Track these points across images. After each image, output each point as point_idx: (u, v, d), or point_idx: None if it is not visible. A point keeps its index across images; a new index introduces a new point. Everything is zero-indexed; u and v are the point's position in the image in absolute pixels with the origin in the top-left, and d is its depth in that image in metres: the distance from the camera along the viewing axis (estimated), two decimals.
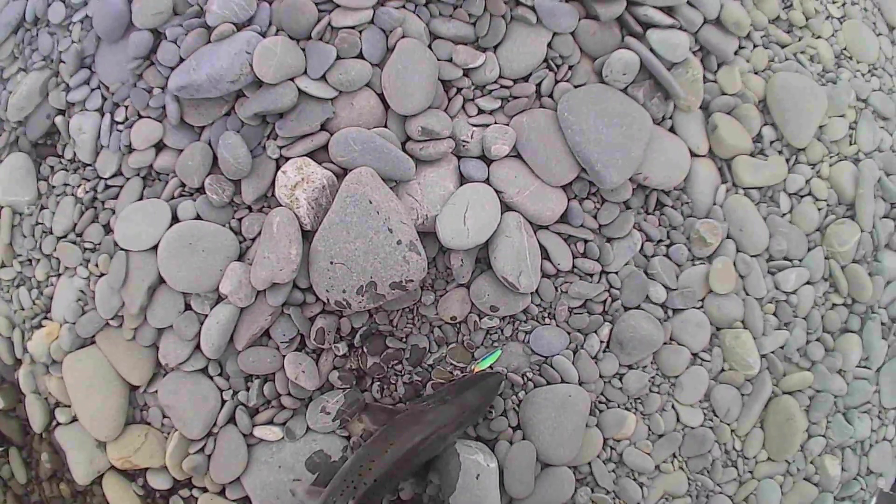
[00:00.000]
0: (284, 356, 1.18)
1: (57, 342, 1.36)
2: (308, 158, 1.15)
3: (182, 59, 1.22)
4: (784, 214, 1.37)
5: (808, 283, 1.36)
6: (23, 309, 1.43)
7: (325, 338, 1.16)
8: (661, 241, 1.26)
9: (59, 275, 1.37)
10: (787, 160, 1.38)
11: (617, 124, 1.19)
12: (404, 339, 1.20)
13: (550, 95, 1.22)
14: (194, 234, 1.18)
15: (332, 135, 1.15)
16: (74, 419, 1.41)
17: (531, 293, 1.18)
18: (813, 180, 1.39)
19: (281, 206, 1.15)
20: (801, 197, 1.39)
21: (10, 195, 1.40)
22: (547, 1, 1.22)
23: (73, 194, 1.35)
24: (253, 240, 1.19)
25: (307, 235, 1.14)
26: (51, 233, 1.36)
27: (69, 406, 1.42)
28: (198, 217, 1.21)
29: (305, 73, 1.16)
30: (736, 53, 1.39)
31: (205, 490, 1.31)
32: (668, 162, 1.24)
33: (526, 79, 1.21)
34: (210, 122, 1.21)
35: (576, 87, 1.22)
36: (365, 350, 1.18)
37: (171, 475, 1.31)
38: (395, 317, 1.19)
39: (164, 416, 1.31)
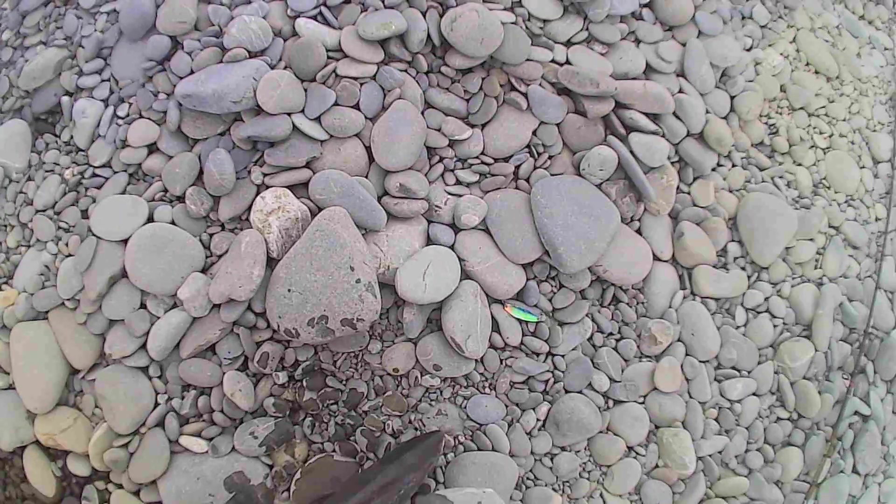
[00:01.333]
0: (225, 373, 1.20)
1: (12, 309, 1.38)
2: (287, 190, 1.20)
3: (192, 72, 1.28)
4: (738, 327, 1.42)
5: (754, 394, 1.41)
6: None
7: (267, 363, 1.18)
8: (611, 334, 1.31)
9: (30, 246, 1.40)
10: (749, 276, 1.44)
11: (586, 214, 1.25)
12: (344, 382, 1.23)
13: (527, 179, 1.29)
14: (165, 238, 1.22)
15: (314, 173, 1.21)
16: (11, 387, 1.42)
17: (476, 360, 1.22)
18: (772, 298, 1.45)
19: (250, 229, 1.19)
20: (759, 312, 1.44)
21: (3, 157, 1.44)
22: (540, 90, 1.30)
23: (60, 174, 1.39)
24: (219, 257, 1.23)
25: (271, 264, 1.18)
26: (31, 204, 1.40)
27: (8, 373, 1.43)
28: (172, 223, 1.25)
29: (303, 111, 1.23)
30: (714, 169, 1.47)
31: (120, 486, 1.31)
32: (630, 260, 1.30)
33: (506, 160, 1.28)
34: (205, 137, 1.26)
35: (552, 175, 1.29)
36: (304, 384, 1.20)
37: (91, 464, 1.31)
38: (340, 359, 1.21)
39: (97, 406, 1.32)
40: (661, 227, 1.36)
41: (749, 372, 1.42)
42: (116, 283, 1.27)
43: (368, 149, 1.23)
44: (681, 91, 1.44)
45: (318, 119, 1.22)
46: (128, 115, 1.32)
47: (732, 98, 1.52)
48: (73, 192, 1.36)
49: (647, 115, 1.35)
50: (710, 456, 1.37)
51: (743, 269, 1.45)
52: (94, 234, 1.28)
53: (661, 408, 1.33)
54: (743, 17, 1.62)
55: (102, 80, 1.38)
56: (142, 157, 1.29)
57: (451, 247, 1.21)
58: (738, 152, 1.51)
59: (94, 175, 1.34)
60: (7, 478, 1.52)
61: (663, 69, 1.42)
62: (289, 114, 1.21)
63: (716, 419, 1.38)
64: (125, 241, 1.25)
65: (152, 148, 1.30)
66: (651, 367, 1.32)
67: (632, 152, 1.32)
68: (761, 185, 1.51)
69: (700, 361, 1.37)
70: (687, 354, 1.36)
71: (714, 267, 1.41)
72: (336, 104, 1.21)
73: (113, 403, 1.25)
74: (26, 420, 1.39)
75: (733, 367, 1.41)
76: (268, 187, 1.21)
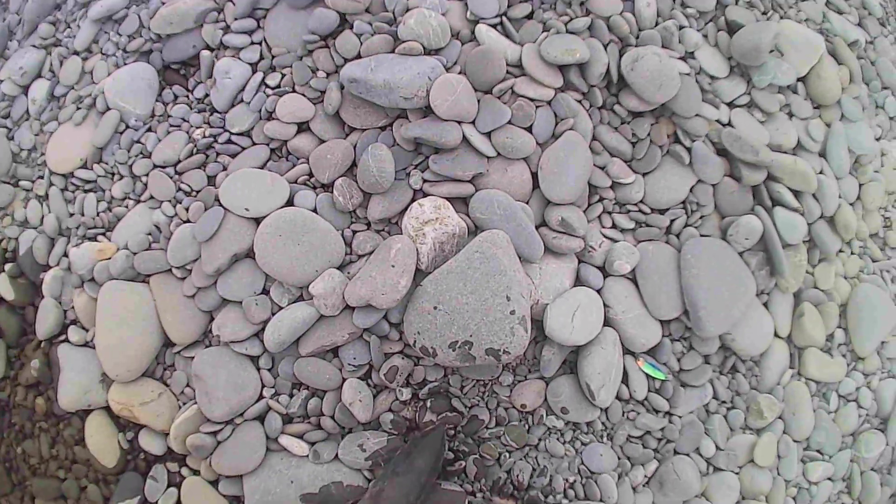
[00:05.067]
0: (346, 380, 1.14)
1: (106, 263, 1.28)
2: (447, 202, 1.15)
3: (359, 56, 1.22)
4: (830, 412, 1.44)
5: (829, 478, 1.44)
6: (82, 215, 1.35)
7: (395, 377, 1.13)
8: (724, 402, 1.31)
9: (139, 201, 1.31)
10: (848, 364, 1.46)
11: (728, 282, 1.24)
12: (468, 408, 1.19)
13: (678, 235, 1.27)
14: (306, 226, 1.15)
15: (476, 190, 1.17)
16: (87, 344, 1.32)
17: (602, 409, 1.20)
18: (862, 388, 1.48)
19: (402, 235, 1.14)
20: (849, 401, 1.47)
21: (122, 101, 1.34)
22: (703, 148, 1.29)
23: (187, 132, 1.30)
24: (360, 257, 1.17)
25: (416, 276, 1.12)
26: (148, 157, 1.31)
27: (87, 330, 1.33)
28: (314, 211, 1.18)
29: (473, 122, 1.18)
30: (836, 255, 1.49)
31: (196, 473, 1.24)
32: (755, 333, 1.30)
33: (662, 212, 1.26)
34: (363, 127, 1.20)
35: (701, 235, 1.28)
36: (427, 405, 1.16)
37: (169, 444, 1.23)
38: (469, 385, 1.17)
39: (188, 385, 1.24)
40: (786, 304, 1.37)
41: (830, 457, 1.45)
42: (239, 261, 1.20)
43: (534, 175, 1.19)
44: (821, 172, 1.45)
45: (488, 134, 1.18)
46: (279, 87, 1.25)
47: (860, 186, 1.54)
48: (202, 154, 1.27)
49: (792, 191, 1.36)
50: None
51: (844, 356, 1.48)
52: (221, 205, 1.21)
53: (753, 480, 1.34)
54: (876, 107, 1.65)
55: (252, 43, 1.30)
56: (289, 135, 1.21)
57: (598, 291, 1.18)
58: (857, 241, 1.53)
59: (230, 142, 1.26)
60: (59, 437, 1.42)
61: (810, 147, 1.42)
62: (459, 122, 1.17)
63: (794, 498, 1.41)
64: (257, 220, 1.19)
65: (302, 127, 1.23)
66: (752, 440, 1.33)
67: (775, 226, 1.32)
68: (871, 276, 1.54)
69: (794, 441, 1.39)
70: (784, 432, 1.38)
71: (821, 351, 1.43)
72: (510, 122, 1.17)
73: (211, 387, 1.18)
74: (99, 384, 1.30)
75: (818, 451, 1.43)
76: (425, 195, 1.16)
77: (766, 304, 1.35)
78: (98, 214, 1.33)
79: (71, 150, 1.38)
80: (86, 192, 1.36)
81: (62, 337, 1.34)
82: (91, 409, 1.31)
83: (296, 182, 1.20)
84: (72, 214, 1.36)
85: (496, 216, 1.13)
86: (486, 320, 1.06)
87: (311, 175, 1.20)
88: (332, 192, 1.18)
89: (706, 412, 1.29)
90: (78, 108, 1.40)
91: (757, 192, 1.34)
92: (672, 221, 1.26)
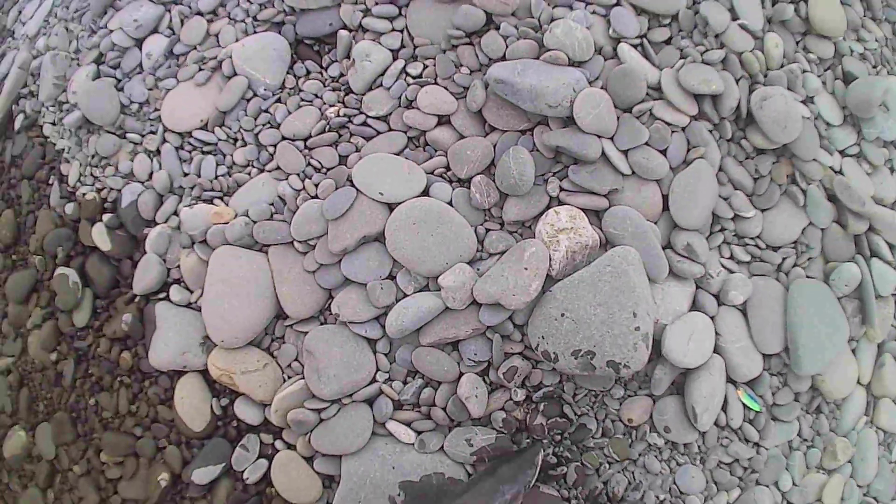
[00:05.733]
0: (463, 374, 1.16)
1: (222, 227, 1.28)
2: (582, 213, 1.17)
3: (504, 57, 1.24)
4: (891, 462, 1.49)
5: None
6: (198, 176, 1.34)
7: (513, 378, 1.15)
8: (805, 440, 1.35)
9: (263, 170, 1.31)
10: None
11: (827, 325, 1.28)
12: (577, 416, 1.21)
13: (787, 274, 1.31)
14: (441, 218, 1.16)
15: (611, 205, 1.19)
16: (189, 305, 1.32)
17: (701, 433, 1.23)
18: None
19: (535, 239, 1.16)
20: None
21: (251, 68, 1.34)
22: (817, 192, 1.33)
23: (320, 109, 1.31)
24: (490, 255, 1.18)
25: (546, 282, 1.14)
26: (277, 128, 1.31)
27: (191, 291, 1.33)
28: (449, 204, 1.19)
29: (612, 139, 1.21)
30: None
31: (292, 447, 1.24)
32: (842, 377, 1.34)
33: (775, 249, 1.30)
34: (504, 129, 1.22)
35: (807, 277, 1.32)
36: (539, 408, 1.18)
37: (268, 416, 1.23)
38: (581, 394, 1.20)
39: (296, 360, 1.24)
40: (870, 353, 1.42)
41: None
42: (366, 243, 1.21)
43: (665, 198, 1.22)
44: None
45: (625, 152, 1.20)
46: (420, 77, 1.26)
47: None
48: (335, 132, 1.28)
49: (888, 244, 1.41)
50: None
51: None
52: (354, 186, 1.22)
53: None
54: None
55: (393, 30, 1.31)
56: (429, 126, 1.23)
57: (712, 318, 1.22)
58: None
59: (366, 124, 1.26)
60: (142, 394, 1.41)
61: None
62: (599, 136, 1.19)
63: None
64: (390, 206, 1.20)
65: (442, 119, 1.24)
66: (822, 480, 1.37)
67: (871, 276, 1.37)
68: None
69: (857, 486, 1.44)
70: (850, 476, 1.43)
71: (894, 402, 1.49)
72: (647, 144, 1.20)
73: (323, 365, 1.18)
74: (199, 346, 1.30)
75: (875, 498, 1.49)
76: (560, 203, 1.19)
77: (853, 351, 1.41)
78: (217, 178, 1.33)
79: (190, 109, 1.37)
80: (204, 153, 1.35)
81: (161, 295, 1.34)
82: (185, 371, 1.30)
83: (432, 173, 1.21)
84: (186, 174, 1.35)
85: (627, 233, 1.16)
86: (611, 333, 1.08)
87: (447, 168, 1.22)
88: (468, 187, 1.19)
89: (789, 447, 1.33)
90: (200, 69, 1.39)
91: (858, 241, 1.39)
92: (783, 259, 1.30)
